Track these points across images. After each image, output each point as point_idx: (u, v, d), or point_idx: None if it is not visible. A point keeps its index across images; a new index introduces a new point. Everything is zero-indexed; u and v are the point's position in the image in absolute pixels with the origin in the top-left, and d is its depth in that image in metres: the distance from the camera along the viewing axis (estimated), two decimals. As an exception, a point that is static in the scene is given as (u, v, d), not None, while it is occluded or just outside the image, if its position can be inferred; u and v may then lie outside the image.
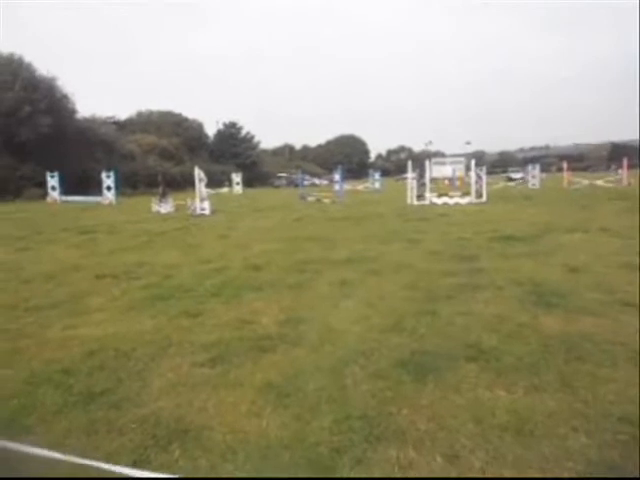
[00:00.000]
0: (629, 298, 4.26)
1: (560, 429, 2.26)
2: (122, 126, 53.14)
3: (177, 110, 63.11)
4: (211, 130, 68.04)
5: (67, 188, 28.67)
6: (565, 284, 4.88)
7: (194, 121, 64.91)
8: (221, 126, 67.61)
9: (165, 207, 19.20)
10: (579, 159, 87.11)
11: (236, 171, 44.16)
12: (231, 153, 62.88)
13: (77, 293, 5.29)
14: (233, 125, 68.00)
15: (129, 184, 37.26)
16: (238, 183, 40.82)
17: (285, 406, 2.54)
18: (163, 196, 20.32)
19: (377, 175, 36.33)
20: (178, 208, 18.69)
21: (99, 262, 7.25)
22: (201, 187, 17.18)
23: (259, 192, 41.21)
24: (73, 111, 39.31)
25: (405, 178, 20.42)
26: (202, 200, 16.89)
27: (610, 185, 25.97)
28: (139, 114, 61.79)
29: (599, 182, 27.02)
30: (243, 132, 68.55)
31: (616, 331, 3.47)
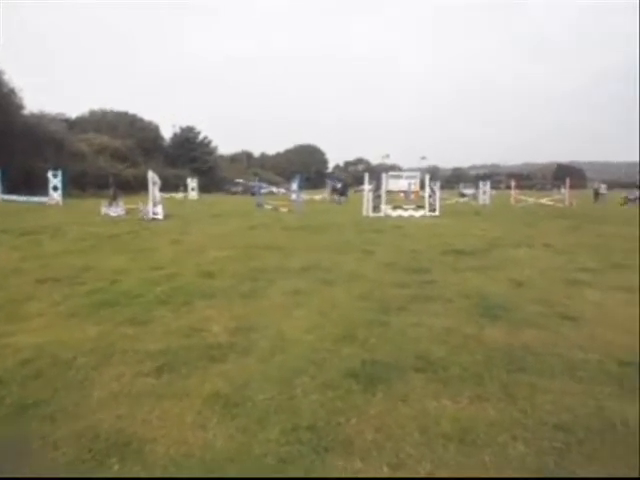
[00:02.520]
0: (567, 311, 4.49)
1: (500, 438, 2.33)
2: (73, 124, 51.07)
3: (132, 111, 61.36)
4: (167, 133, 66.55)
5: (10, 186, 27.12)
6: (510, 297, 5.07)
7: (150, 123, 63.31)
8: (178, 129, 66.27)
9: (115, 210, 18.53)
10: (527, 178, 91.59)
11: (192, 176, 43.38)
12: (187, 157, 61.68)
13: (16, 298, 4.99)
14: (190, 129, 66.83)
15: (78, 185, 35.73)
16: (193, 188, 40.04)
17: (232, 417, 2.49)
18: (114, 198, 19.63)
19: (335, 186, 36.64)
20: (130, 212, 18.09)
21: (41, 265, 6.88)
22: (154, 191, 16.72)
23: (215, 198, 40.57)
24: (20, 106, 37.39)
25: (362, 190, 20.70)
26: (155, 204, 16.43)
27: (554, 204, 27.39)
28: (92, 113, 59.62)
29: (544, 200, 28.45)
30: (200, 137, 67.47)
31: (554, 343, 3.64)
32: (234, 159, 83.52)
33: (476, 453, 2.21)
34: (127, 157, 49.83)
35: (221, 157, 74.56)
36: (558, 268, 6.82)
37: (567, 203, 27.43)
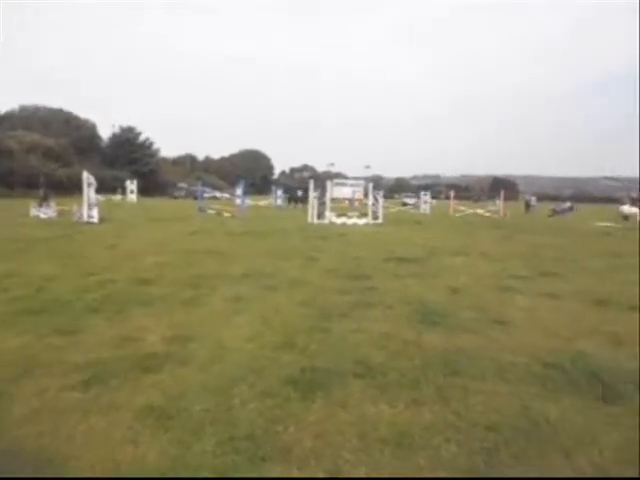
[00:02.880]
0: (499, 317, 4.71)
1: (435, 440, 2.39)
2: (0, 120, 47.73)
3: (67, 108, 58.26)
4: (106, 133, 63.73)
5: None
6: (447, 304, 5.25)
7: (86, 121, 60.43)
8: (117, 129, 63.60)
9: (46, 212, 17.47)
10: (465, 189, 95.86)
11: (131, 178, 41.70)
12: (127, 159, 59.28)
13: None
14: (131, 129, 64.33)
15: (5, 184, 33.39)
16: (133, 191, 38.57)
17: (166, 430, 2.39)
18: (44, 199, 18.51)
19: (280, 192, 36.60)
20: (62, 214, 17.10)
21: (-43, 271, 6.33)
22: (90, 193, 15.94)
23: (156, 202, 39.25)
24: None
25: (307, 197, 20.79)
26: (90, 207, 15.65)
27: (489, 214, 28.82)
28: (22, 108, 56.02)
29: (480, 211, 29.89)
30: (142, 138, 65.10)
31: (487, 347, 3.80)
32: (177, 162, 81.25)
33: (411, 456, 2.25)
34: (61, 156, 47.20)
35: (163, 160, 72.30)
36: (492, 276, 7.16)
37: (501, 214, 28.94)
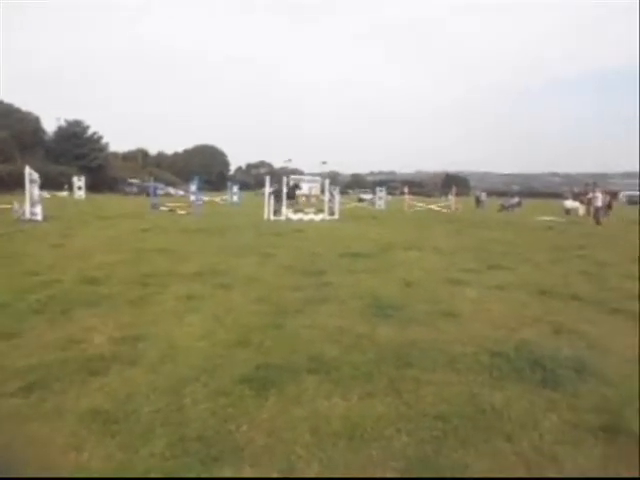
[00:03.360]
0: (450, 309, 4.85)
1: (386, 431, 2.44)
2: None
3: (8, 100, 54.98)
4: (51, 126, 60.63)
5: None
6: (400, 297, 5.35)
7: (29, 114, 57.19)
8: (63, 123, 60.62)
9: (-16, 210, 16.42)
10: (419, 185, 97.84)
11: (79, 174, 39.92)
12: (74, 154, 56.60)
13: None
14: (78, 123, 61.46)
15: (-64, 180, 31.08)
16: (80, 187, 36.94)
17: (112, 434, 2.31)
18: (-18, 197, 17.39)
19: (236, 188, 36.06)
20: (2, 212, 16.13)
21: None
22: (33, 189, 15.12)
23: (105, 198, 37.79)
24: None
25: (264, 193, 20.62)
26: (33, 204, 14.86)
27: (442, 209, 29.64)
28: (-45, 99, 52.33)
29: (433, 206, 30.67)
30: (90, 131, 62.35)
31: (437, 338, 3.91)
32: (128, 157, 78.40)
33: (364, 448, 2.29)
34: (1, 151, 44.50)
35: (113, 155, 69.57)
36: (443, 269, 7.36)
37: (453, 209, 29.87)
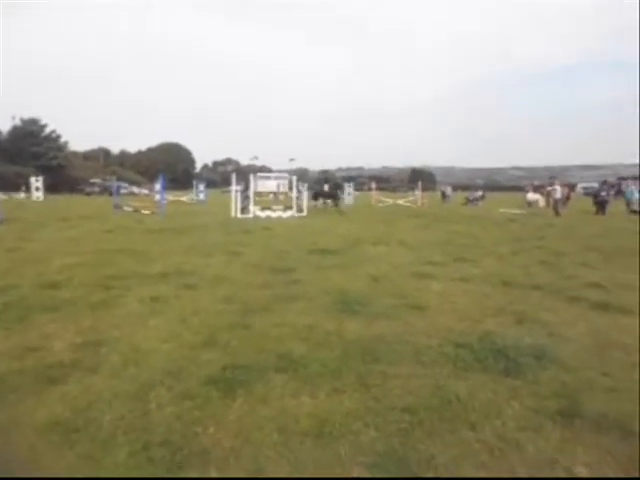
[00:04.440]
0: (416, 302, 4.92)
1: (354, 426, 2.45)
2: None
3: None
4: (5, 125, 58.11)
5: None
6: (367, 292, 5.39)
7: (-19, 112, 54.60)
8: (18, 121, 58.20)
9: None
10: (387, 180, 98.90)
11: (36, 174, 38.40)
12: (30, 153, 54.51)
13: None
14: (34, 122, 59.19)
15: None
16: (38, 188, 35.52)
17: (72, 445, 2.23)
18: None
19: (202, 186, 35.50)
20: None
21: None
22: (-14, 191, 14.44)
23: (66, 199, 36.53)
24: None
25: (230, 191, 20.35)
26: (-13, 206, 14.19)
27: (409, 204, 30.04)
28: None
29: (400, 201, 31.04)
30: (47, 130, 60.12)
31: (404, 332, 3.95)
32: (89, 156, 76.02)
33: (332, 445, 2.29)
34: (-50, 151, 42.35)
35: (73, 154, 67.33)
36: (410, 263, 7.46)
37: (420, 204, 30.31)
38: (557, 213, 20.14)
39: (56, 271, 6.40)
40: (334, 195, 23.41)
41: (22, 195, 37.29)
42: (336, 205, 22.86)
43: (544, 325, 4.18)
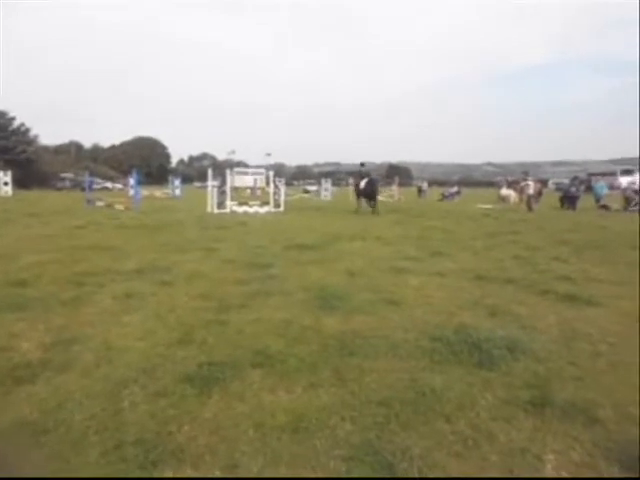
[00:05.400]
0: (392, 297, 4.96)
1: (331, 420, 2.46)
2: None
3: None
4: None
5: None
6: (344, 287, 5.40)
7: (-56, 104, 52.51)
8: (-16, 114, 56.22)
9: None
10: (365, 175, 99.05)
11: (4, 169, 37.16)
12: (-2, 147, 52.74)
13: None
14: (2, 114, 57.25)
15: None
16: (7, 183, 34.37)
17: (41, 446, 2.17)
18: None
19: (177, 181, 34.99)
20: None
21: None
22: (-50, 186, 13.90)
23: (36, 194, 35.50)
24: None
25: (207, 186, 20.12)
26: (-49, 202, 13.67)
27: (385, 199, 30.25)
28: None
29: (379, 197, 31.22)
30: (16, 123, 58.26)
31: (380, 326, 3.98)
32: (60, 151, 73.99)
33: (308, 439, 2.29)
34: None
35: (44, 148, 65.43)
36: (386, 258, 7.51)
37: (396, 199, 30.60)
38: (530, 208, 20.59)
39: (24, 268, 6.21)
40: (373, 194, 17.72)
41: (-11, 190, 36.04)
42: (373, 206, 17.59)
43: (516, 318, 4.27)
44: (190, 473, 2.03)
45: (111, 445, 2.18)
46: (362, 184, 17.44)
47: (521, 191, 24.27)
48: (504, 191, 28.10)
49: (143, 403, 2.60)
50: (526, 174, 25.73)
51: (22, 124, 59.13)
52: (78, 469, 2.01)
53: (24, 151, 56.11)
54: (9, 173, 35.40)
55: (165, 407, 2.57)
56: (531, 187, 22.10)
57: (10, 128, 57.35)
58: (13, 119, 58.24)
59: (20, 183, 40.48)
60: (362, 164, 19.18)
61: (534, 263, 7.19)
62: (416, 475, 2.03)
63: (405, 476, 2.03)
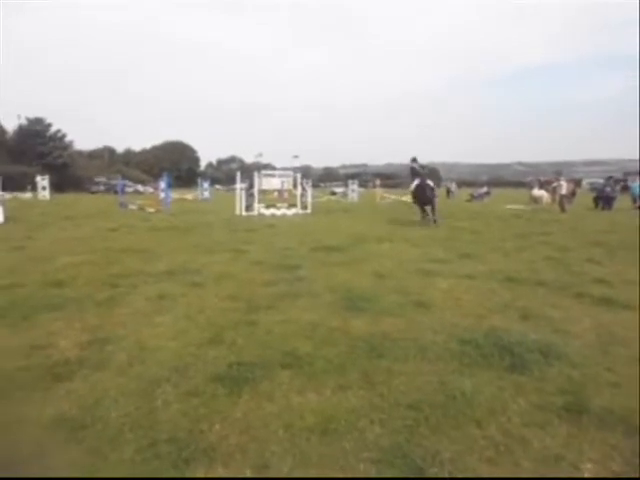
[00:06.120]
0: (420, 299, 4.91)
1: (360, 423, 2.45)
2: None
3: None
4: (11, 125, 58.46)
5: None
6: (372, 289, 5.38)
7: (-14, 112, 54.92)
8: (24, 121, 58.49)
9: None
10: (391, 177, 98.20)
11: (42, 173, 38.58)
12: (36, 153, 54.78)
13: None
14: (39, 121, 59.44)
15: None
16: (45, 187, 35.68)
17: (79, 441, 2.24)
18: (-62, 200, 16.64)
19: (206, 184, 35.62)
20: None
21: None
22: (-8, 190, 14.54)
23: (71, 198, 36.68)
24: None
25: (235, 189, 20.38)
26: (-6, 206, 14.29)
27: (410, 200, 29.91)
28: None
29: (404, 198, 30.95)
30: (52, 129, 60.38)
31: (409, 329, 3.95)
32: (94, 155, 76.33)
33: (337, 441, 2.30)
34: (-43, 152, 42.63)
35: (78, 153, 67.63)
36: (414, 260, 7.44)
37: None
38: (563, 209, 20.03)
39: (61, 269, 6.44)
40: (431, 199, 13.76)
41: (28, 195, 37.47)
42: (432, 213, 13.68)
43: (549, 321, 4.17)
44: (221, 472, 2.06)
45: (145, 443, 2.23)
46: (412, 186, 14.03)
47: (553, 191, 23.64)
48: (536, 191, 27.37)
49: (175, 402, 2.66)
50: (559, 174, 25.09)
51: (58, 130, 61.31)
52: (115, 466, 2.07)
53: (60, 156, 58.09)
54: (47, 177, 36.74)
55: (197, 406, 2.62)
56: (564, 187, 21.50)
57: (47, 134, 59.50)
58: (50, 125, 60.43)
59: (57, 187, 41.92)
60: (414, 159, 14.19)
61: (567, 265, 7.00)
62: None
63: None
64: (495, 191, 42.22)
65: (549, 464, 2.12)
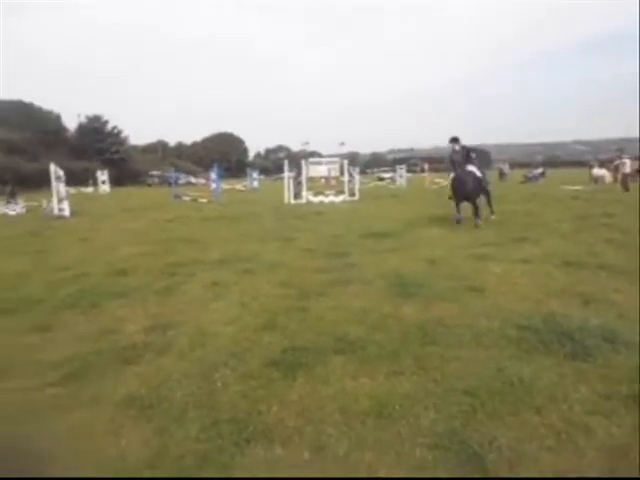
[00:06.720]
0: (474, 284, 4.80)
1: (414, 408, 2.46)
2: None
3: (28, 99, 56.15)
4: (72, 123, 61.80)
5: None
6: (424, 275, 5.31)
7: (50, 112, 58.31)
8: (83, 119, 61.65)
9: (14, 208, 17.00)
10: (440, 161, 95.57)
11: (102, 168, 40.65)
12: (95, 149, 57.71)
13: None
14: (97, 118, 62.40)
15: (-33, 183, 32.04)
16: (104, 181, 37.64)
17: (148, 419, 2.40)
18: (12, 196, 17.98)
19: (255, 174, 36.24)
20: (31, 210, 16.62)
21: None
22: (59, 186, 15.49)
23: (129, 191, 38.46)
24: None
25: (283, 177, 20.61)
26: (60, 200, 15.24)
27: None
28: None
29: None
30: (109, 126, 63.28)
31: (463, 314, 3.88)
32: (148, 149, 79.39)
33: (392, 426, 2.32)
34: (26, 150, 45.63)
35: (133, 148, 70.54)
36: (466, 245, 7.26)
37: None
38: (626, 188, 18.78)
39: (123, 259, 6.80)
40: (475, 193, 10.10)
41: (90, 189, 39.61)
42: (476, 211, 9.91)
43: (612, 306, 3.96)
44: (280, 453, 2.14)
45: (208, 422, 2.35)
46: (450, 178, 11.04)
47: (615, 170, 22.19)
48: (597, 171, 25.80)
49: (234, 384, 2.77)
50: (621, 151, 23.50)
51: (115, 127, 64.11)
52: (181, 443, 2.20)
53: (117, 151, 60.85)
54: (106, 172, 38.67)
55: (254, 388, 2.72)
56: (627, 165, 20.13)
57: (105, 131, 62.41)
58: (107, 122, 63.32)
59: (115, 181, 44.06)
60: (454, 139, 10.16)
61: (630, 247, 6.59)
62: (505, 467, 1.98)
63: (494, 467, 1.99)
64: (550, 172, 40.19)
65: (616, 455, 2.04)
